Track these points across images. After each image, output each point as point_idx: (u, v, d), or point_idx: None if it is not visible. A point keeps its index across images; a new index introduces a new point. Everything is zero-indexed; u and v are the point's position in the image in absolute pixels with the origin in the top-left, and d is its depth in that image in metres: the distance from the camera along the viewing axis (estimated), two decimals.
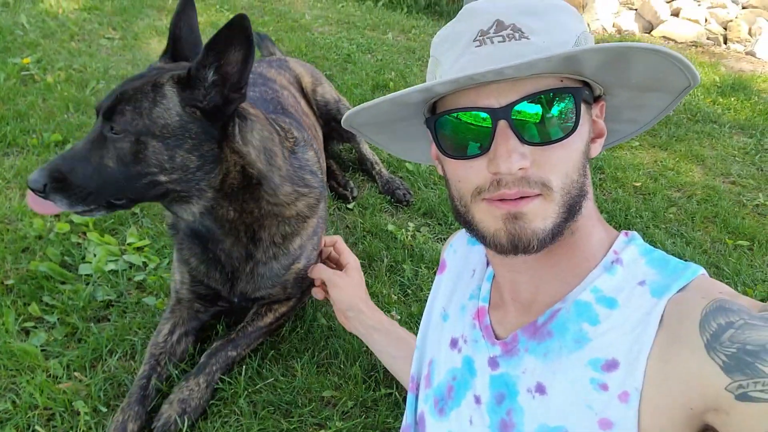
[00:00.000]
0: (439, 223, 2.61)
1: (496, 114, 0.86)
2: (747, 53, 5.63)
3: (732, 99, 4.38)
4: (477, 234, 0.95)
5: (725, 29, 5.98)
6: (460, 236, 1.29)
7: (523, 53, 0.83)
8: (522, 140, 0.86)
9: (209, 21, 4.56)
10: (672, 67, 0.85)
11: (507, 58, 0.84)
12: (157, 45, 4.02)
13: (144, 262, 2.16)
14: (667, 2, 6.45)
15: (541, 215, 0.88)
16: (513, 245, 0.89)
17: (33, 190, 1.44)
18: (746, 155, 3.59)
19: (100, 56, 3.74)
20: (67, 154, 1.47)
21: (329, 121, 2.72)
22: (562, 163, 0.88)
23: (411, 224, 2.56)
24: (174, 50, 1.67)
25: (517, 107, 0.85)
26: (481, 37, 0.88)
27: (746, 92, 4.51)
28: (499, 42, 0.87)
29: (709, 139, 3.74)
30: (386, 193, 2.76)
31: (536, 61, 0.79)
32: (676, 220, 2.85)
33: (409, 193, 2.74)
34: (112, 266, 2.12)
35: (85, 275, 2.07)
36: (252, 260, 1.76)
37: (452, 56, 0.92)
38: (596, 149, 1.00)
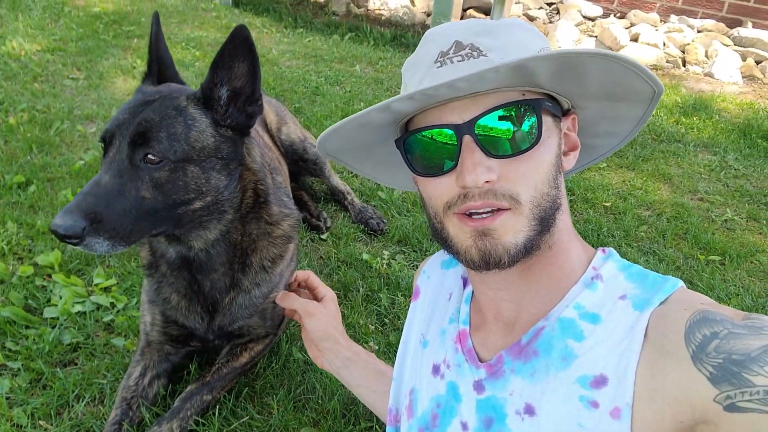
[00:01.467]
0: (414, 250, 2.59)
1: (460, 129, 0.88)
2: (705, 74, 5.79)
3: (694, 118, 4.49)
4: (451, 250, 0.96)
5: (683, 52, 6.16)
6: (433, 261, 1.28)
7: (480, 69, 0.84)
8: (487, 153, 0.87)
9: (175, 59, 4.53)
10: (626, 71, 0.86)
11: (464, 74, 0.85)
12: (123, 84, 3.98)
13: (112, 303, 2.10)
14: (626, 28, 6.63)
15: (512, 230, 0.88)
16: (484, 261, 0.90)
17: (67, 237, 1.25)
18: (712, 172, 3.66)
19: (64, 96, 3.68)
20: (96, 190, 1.31)
21: (296, 160, 2.71)
22: (529, 176, 0.89)
23: (386, 252, 2.54)
24: (158, 72, 1.62)
25: (480, 121, 0.87)
26: (441, 59, 0.92)
27: (707, 111, 4.62)
28: (458, 61, 0.90)
29: (675, 158, 3.80)
30: (359, 223, 2.74)
31: (485, 71, 0.80)
32: (648, 238, 2.88)
33: (383, 221, 2.73)
34: (78, 308, 2.06)
35: (51, 318, 2.00)
36: (234, 290, 1.70)
37: (416, 79, 0.95)
38: (570, 162, 1.01)
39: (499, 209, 0.88)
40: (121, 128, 1.38)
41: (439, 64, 0.91)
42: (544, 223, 0.91)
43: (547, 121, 0.92)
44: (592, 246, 1.03)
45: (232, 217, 1.56)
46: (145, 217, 1.35)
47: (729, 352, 0.73)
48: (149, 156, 1.35)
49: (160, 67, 1.62)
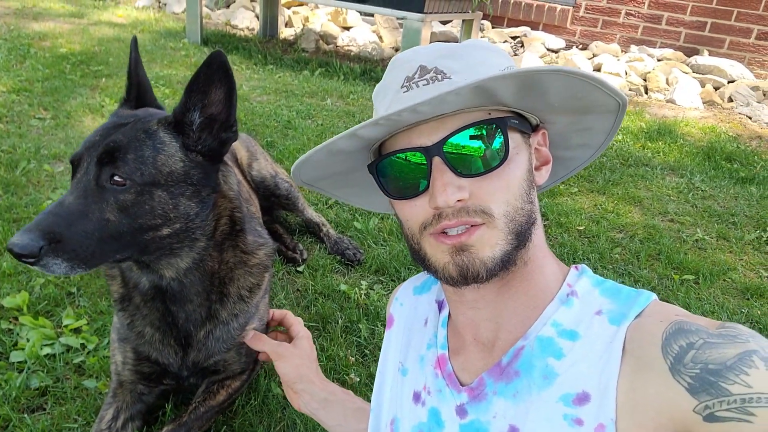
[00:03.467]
0: (392, 280, 2.57)
1: (429, 151, 0.89)
2: (667, 101, 5.96)
3: (660, 143, 4.60)
4: (430, 269, 0.96)
5: (645, 80, 6.34)
6: (404, 289, 1.27)
7: (441, 92, 0.85)
8: (457, 173, 0.88)
9: None
10: (585, 85, 0.88)
11: (427, 98, 0.86)
12: (91, 122, 3.94)
13: (82, 344, 2.03)
14: (589, 59, 6.83)
15: (488, 244, 0.89)
16: (463, 276, 0.90)
17: (22, 255, 1.21)
18: (680, 194, 3.74)
19: (30, 136, 3.62)
20: (58, 210, 1.27)
21: (268, 196, 2.68)
22: (500, 192, 0.90)
23: (364, 283, 2.52)
24: (137, 95, 1.59)
25: (449, 142, 0.88)
26: (407, 83, 0.93)
27: (672, 136, 4.75)
28: (423, 85, 0.92)
29: (644, 181, 3.88)
30: (336, 254, 2.72)
31: (446, 94, 0.81)
32: (622, 259, 2.91)
33: (359, 251, 2.70)
34: (47, 350, 1.98)
35: (18, 363, 1.92)
36: (211, 322, 1.64)
37: (385, 104, 0.97)
38: (543, 176, 1.02)
39: (473, 225, 0.88)
40: (90, 150, 1.35)
41: (405, 88, 0.93)
42: (521, 237, 0.91)
43: (515, 137, 0.93)
44: None
45: (205, 244, 1.51)
46: (108, 241, 1.32)
47: (705, 362, 0.74)
48: (115, 177, 1.32)
49: (138, 92, 1.59)
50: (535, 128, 1.00)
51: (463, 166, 0.89)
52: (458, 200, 0.87)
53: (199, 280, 1.56)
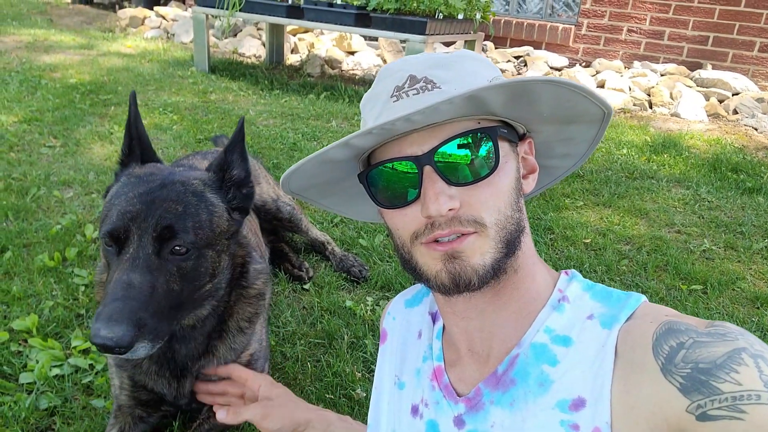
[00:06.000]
0: None
1: (420, 160, 0.90)
2: (672, 114, 5.97)
3: (665, 156, 4.60)
4: (421, 278, 0.96)
5: (649, 95, 6.36)
6: (396, 303, 1.28)
7: (434, 101, 0.87)
8: (448, 182, 0.89)
9: (153, 123, 4.59)
10: (574, 95, 0.89)
11: (419, 107, 0.87)
12: (100, 149, 4.00)
13: (91, 364, 2.04)
14: (592, 76, 6.87)
15: (479, 251, 0.89)
16: (455, 284, 0.90)
17: (116, 348, 1.17)
18: (686, 205, 3.73)
19: (40, 164, 3.68)
20: (132, 294, 1.23)
21: (270, 219, 2.71)
22: (491, 200, 0.91)
23: (369, 299, 2.52)
24: (141, 150, 1.55)
25: (439, 151, 0.89)
26: (397, 93, 0.94)
27: (677, 149, 4.75)
28: (413, 95, 0.92)
29: (650, 194, 3.87)
30: (341, 271, 2.73)
31: (439, 104, 0.82)
32: (630, 271, 2.90)
33: (365, 268, 2.71)
34: (56, 371, 1.99)
35: (27, 384, 1.94)
36: (206, 357, 1.64)
37: (374, 113, 0.97)
38: (530, 185, 1.03)
39: (464, 234, 0.89)
40: (137, 221, 1.30)
41: (395, 98, 0.94)
42: (510, 245, 0.92)
43: (504, 146, 0.95)
44: None
45: (224, 291, 1.55)
46: (175, 309, 1.32)
47: (696, 361, 0.74)
48: (176, 248, 1.31)
49: (142, 147, 1.55)
50: (521, 137, 1.02)
51: (454, 174, 0.90)
52: (450, 209, 0.87)
53: (209, 324, 1.59)
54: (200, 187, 1.40)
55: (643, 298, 0.91)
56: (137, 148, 1.54)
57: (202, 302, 1.48)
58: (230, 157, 1.45)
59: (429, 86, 0.92)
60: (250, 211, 1.54)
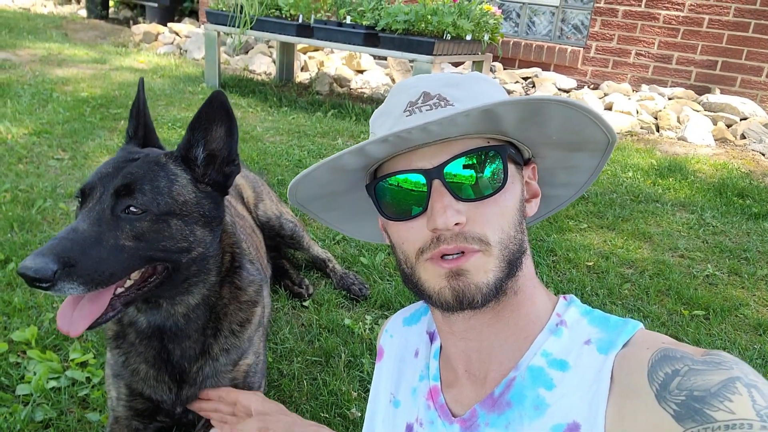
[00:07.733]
0: None
1: (430, 174, 0.91)
2: (679, 138, 5.97)
3: (670, 179, 4.59)
4: (423, 294, 0.96)
5: (656, 118, 6.37)
6: (394, 321, 1.28)
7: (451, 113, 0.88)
8: (456, 197, 0.90)
9: (162, 137, 4.61)
10: (584, 119, 0.90)
11: (436, 118, 0.88)
12: None
13: (87, 377, 2.05)
14: (600, 98, 6.88)
15: (482, 269, 0.90)
16: (458, 301, 0.90)
17: (37, 279, 1.19)
18: (690, 230, 3.71)
19: (48, 176, 3.72)
20: (71, 236, 1.28)
21: (273, 236, 2.73)
22: (496, 219, 0.91)
23: (368, 317, 2.52)
24: (144, 135, 1.63)
25: (449, 166, 0.90)
26: (410, 108, 0.95)
27: (683, 173, 4.74)
28: (426, 110, 0.94)
29: (654, 218, 3.86)
30: (342, 289, 2.73)
31: (456, 115, 0.84)
32: (632, 295, 2.88)
33: (365, 286, 2.71)
34: (53, 384, 2.00)
35: (24, 395, 1.95)
36: (203, 357, 1.66)
37: (386, 127, 0.98)
38: (532, 209, 1.04)
39: (469, 252, 0.89)
40: (104, 180, 1.39)
41: (408, 113, 0.95)
42: (512, 265, 0.93)
43: (511, 167, 0.96)
44: None
45: (215, 279, 1.58)
46: (125, 262, 1.34)
47: (690, 388, 0.74)
48: (131, 208, 1.36)
49: (145, 132, 1.64)
50: (526, 162, 1.03)
51: (462, 190, 0.91)
52: (456, 224, 0.88)
53: (202, 315, 1.60)
54: (163, 160, 1.47)
55: (640, 325, 0.91)
56: (141, 131, 1.63)
57: (189, 286, 1.52)
58: (193, 135, 1.47)
59: (442, 103, 0.94)
60: (228, 190, 1.55)
